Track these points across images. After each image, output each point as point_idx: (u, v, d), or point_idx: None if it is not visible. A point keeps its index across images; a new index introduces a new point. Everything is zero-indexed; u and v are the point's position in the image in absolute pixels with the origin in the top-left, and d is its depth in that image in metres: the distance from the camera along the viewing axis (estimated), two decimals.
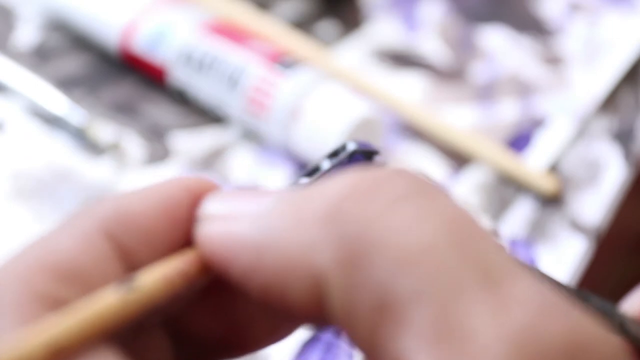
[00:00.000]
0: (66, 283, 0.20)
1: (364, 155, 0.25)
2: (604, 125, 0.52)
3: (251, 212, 0.21)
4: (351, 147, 0.25)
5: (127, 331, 0.21)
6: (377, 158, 0.26)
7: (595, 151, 0.51)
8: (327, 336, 0.41)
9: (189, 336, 0.24)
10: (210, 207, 0.22)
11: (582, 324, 0.18)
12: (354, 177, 0.20)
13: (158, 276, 0.21)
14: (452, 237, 0.19)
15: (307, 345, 0.40)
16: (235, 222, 0.21)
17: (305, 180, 0.25)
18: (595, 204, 0.48)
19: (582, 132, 0.52)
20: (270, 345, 0.24)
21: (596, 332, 0.18)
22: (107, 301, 0.20)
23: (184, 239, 0.22)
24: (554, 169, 0.50)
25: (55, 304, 0.20)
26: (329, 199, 0.20)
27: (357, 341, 0.19)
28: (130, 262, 0.22)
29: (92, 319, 0.19)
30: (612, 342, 0.18)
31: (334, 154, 0.25)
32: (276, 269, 0.20)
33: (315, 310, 0.20)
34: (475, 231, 0.19)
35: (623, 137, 0.52)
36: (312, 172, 0.25)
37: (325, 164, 0.25)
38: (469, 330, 0.18)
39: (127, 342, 0.22)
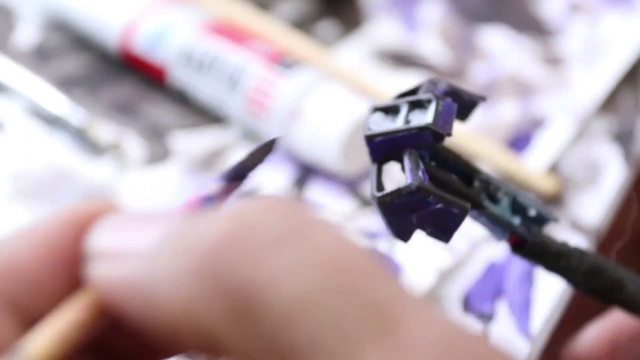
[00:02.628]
0: None
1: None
2: (604, 125, 0.52)
3: (138, 251, 0.20)
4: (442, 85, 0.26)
5: None
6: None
7: (595, 152, 0.51)
8: None
9: (111, 353, 0.23)
10: (96, 242, 0.21)
11: (486, 357, 0.18)
12: (229, 217, 0.19)
13: (50, 338, 0.19)
14: (336, 280, 0.18)
15: None
16: (123, 263, 0.20)
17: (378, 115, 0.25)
18: (595, 204, 0.48)
19: (582, 132, 0.52)
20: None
21: None
22: None
23: (77, 278, 0.21)
24: (554, 169, 0.50)
25: None
26: (209, 246, 0.19)
27: None
28: (24, 315, 0.21)
29: None
30: None
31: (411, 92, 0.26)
32: (166, 318, 0.19)
33: (214, 353, 0.19)
34: (362, 268, 0.18)
35: (623, 138, 0.52)
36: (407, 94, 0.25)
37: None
38: None
39: None
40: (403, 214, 0.25)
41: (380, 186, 0.26)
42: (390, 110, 0.26)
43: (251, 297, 0.18)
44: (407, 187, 0.25)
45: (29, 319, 0.21)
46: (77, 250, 0.21)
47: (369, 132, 0.25)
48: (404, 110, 0.25)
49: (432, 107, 0.25)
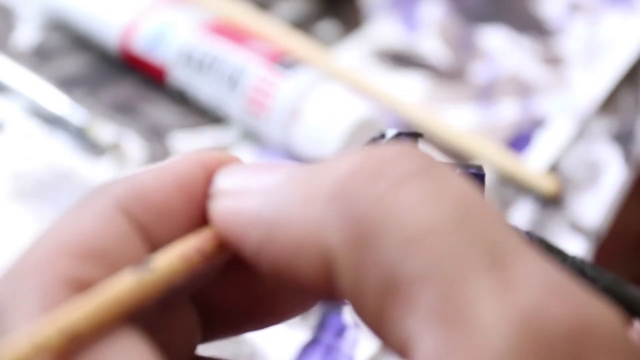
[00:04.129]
0: (90, 264, 0.20)
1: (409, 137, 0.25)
2: (604, 125, 0.52)
3: (261, 188, 0.21)
4: (391, 133, 0.25)
5: (151, 308, 0.21)
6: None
7: (595, 152, 0.51)
8: (327, 339, 0.41)
9: (214, 309, 0.24)
10: (222, 183, 0.22)
11: (587, 305, 0.18)
12: (362, 154, 0.20)
13: (174, 256, 0.21)
14: (459, 217, 0.19)
15: (307, 348, 0.40)
16: (246, 198, 0.21)
17: None
18: (595, 204, 0.48)
19: (582, 132, 0.52)
20: (294, 317, 0.25)
21: (601, 314, 0.18)
22: (124, 284, 0.20)
23: (202, 216, 0.22)
24: (554, 169, 0.50)
25: (80, 285, 0.20)
26: (338, 176, 0.20)
27: (365, 318, 0.20)
28: (151, 240, 0.22)
29: (108, 303, 0.19)
30: (618, 323, 0.18)
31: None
32: (286, 245, 0.20)
33: (325, 286, 0.20)
34: (482, 210, 0.19)
35: (623, 138, 0.52)
36: None
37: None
38: (474, 313, 0.18)
39: (153, 317, 0.22)
40: None
41: None
42: None
43: (376, 225, 0.19)
44: None
45: (155, 246, 0.22)
46: (205, 190, 0.22)
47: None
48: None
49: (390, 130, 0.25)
